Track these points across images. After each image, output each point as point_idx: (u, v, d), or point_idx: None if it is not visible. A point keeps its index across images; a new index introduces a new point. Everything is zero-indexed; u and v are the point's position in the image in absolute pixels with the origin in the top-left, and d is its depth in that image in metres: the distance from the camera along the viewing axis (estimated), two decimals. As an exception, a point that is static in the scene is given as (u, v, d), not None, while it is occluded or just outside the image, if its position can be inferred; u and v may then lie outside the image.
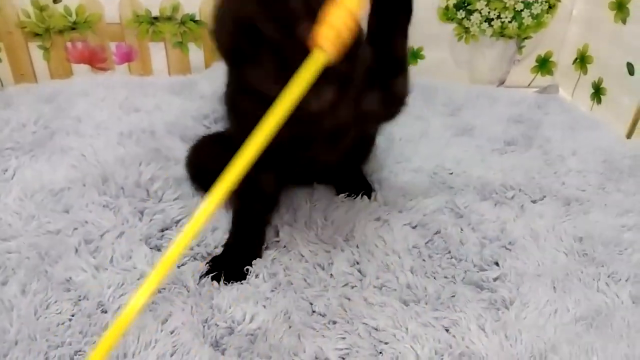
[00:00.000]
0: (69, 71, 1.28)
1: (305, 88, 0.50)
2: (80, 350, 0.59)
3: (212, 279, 0.69)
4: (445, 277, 0.71)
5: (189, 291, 0.68)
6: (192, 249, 0.75)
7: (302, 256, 0.73)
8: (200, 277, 0.69)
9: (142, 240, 0.76)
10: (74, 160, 0.92)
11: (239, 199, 0.76)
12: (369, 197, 0.86)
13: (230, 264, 0.71)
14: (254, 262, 0.71)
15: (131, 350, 0.59)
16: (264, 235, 0.77)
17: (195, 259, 0.73)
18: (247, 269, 0.71)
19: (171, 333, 0.61)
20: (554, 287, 0.69)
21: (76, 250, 0.72)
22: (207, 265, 0.71)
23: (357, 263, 0.73)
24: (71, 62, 1.27)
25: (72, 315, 0.63)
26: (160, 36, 1.26)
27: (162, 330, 0.62)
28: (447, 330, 0.63)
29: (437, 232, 0.79)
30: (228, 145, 0.85)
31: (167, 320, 0.63)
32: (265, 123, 0.51)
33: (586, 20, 1.27)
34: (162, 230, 0.78)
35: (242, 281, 0.69)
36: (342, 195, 0.86)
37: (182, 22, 1.25)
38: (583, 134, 1.09)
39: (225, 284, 0.69)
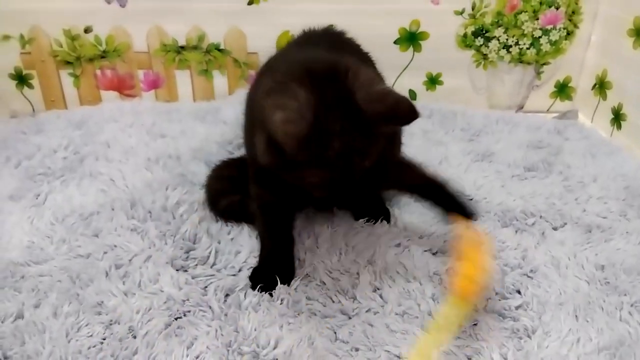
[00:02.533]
0: (98, 98, 1.33)
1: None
2: (110, 373, 0.61)
3: (257, 288, 0.72)
4: (467, 305, 0.71)
5: (213, 313, 0.69)
6: (218, 270, 0.77)
7: (324, 283, 0.75)
8: (226, 296, 0.72)
9: (168, 263, 0.78)
10: (103, 184, 0.96)
11: (263, 215, 0.79)
12: (388, 222, 0.87)
13: (269, 271, 0.74)
14: (278, 287, 0.73)
15: (159, 374, 0.61)
16: (293, 244, 0.79)
17: (219, 279, 0.75)
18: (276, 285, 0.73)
19: (196, 358, 0.63)
20: (576, 315, 0.69)
21: (107, 274, 0.75)
22: (249, 278, 0.75)
23: (379, 289, 0.74)
24: (100, 88, 1.32)
25: (104, 339, 0.65)
26: (186, 64, 1.30)
27: (187, 355, 0.63)
28: (469, 359, 0.64)
29: (458, 259, 0.79)
30: (242, 171, 0.88)
31: (192, 345, 0.65)
32: None
33: (604, 47, 1.28)
34: (187, 252, 0.81)
35: (267, 305, 0.70)
36: (362, 220, 0.88)
37: (207, 51, 1.29)
38: (603, 160, 1.09)
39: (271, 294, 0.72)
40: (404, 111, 0.59)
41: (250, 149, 0.79)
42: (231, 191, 0.88)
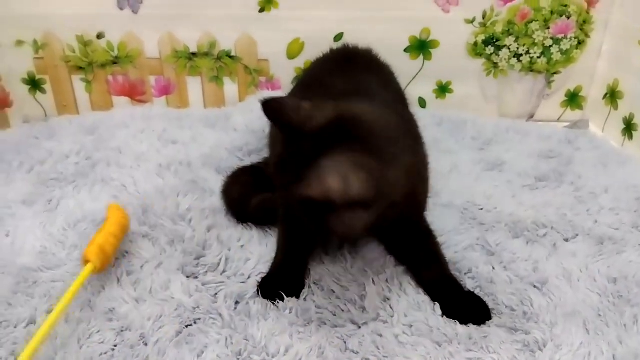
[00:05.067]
0: (110, 103, 1.34)
1: None
2: (122, 381, 0.61)
3: (264, 297, 0.72)
4: (478, 317, 0.71)
5: (223, 321, 0.69)
6: (228, 277, 0.77)
7: (333, 292, 0.75)
8: (236, 304, 0.72)
9: (179, 269, 0.78)
10: (115, 190, 0.96)
11: (285, 222, 0.80)
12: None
13: (278, 282, 0.74)
14: (287, 298, 0.73)
15: (170, 382, 0.61)
16: (309, 256, 0.79)
17: (229, 287, 0.75)
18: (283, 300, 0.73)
19: (207, 366, 0.63)
20: (587, 329, 0.69)
21: (118, 281, 0.75)
22: (258, 286, 0.75)
23: (388, 299, 0.74)
24: (112, 94, 1.33)
25: (115, 346, 0.65)
26: (197, 71, 1.31)
27: (198, 363, 0.63)
28: (480, 372, 0.63)
29: (469, 272, 0.79)
30: (260, 177, 0.88)
31: (203, 353, 0.65)
32: None
33: (616, 56, 1.28)
34: (197, 258, 0.81)
35: (277, 314, 0.70)
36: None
37: (219, 58, 1.30)
38: (615, 171, 1.09)
39: (274, 303, 0.72)
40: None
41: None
42: (255, 193, 0.88)
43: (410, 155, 0.69)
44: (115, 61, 1.30)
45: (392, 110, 0.75)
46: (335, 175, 0.57)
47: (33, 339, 0.60)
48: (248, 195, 0.88)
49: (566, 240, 0.87)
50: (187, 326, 0.69)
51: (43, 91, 1.32)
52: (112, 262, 0.76)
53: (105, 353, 0.64)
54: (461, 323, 0.69)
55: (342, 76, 0.91)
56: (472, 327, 0.69)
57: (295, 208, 0.66)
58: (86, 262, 0.72)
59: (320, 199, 0.57)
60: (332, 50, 1.04)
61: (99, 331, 0.67)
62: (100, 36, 1.27)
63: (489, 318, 0.71)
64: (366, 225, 0.61)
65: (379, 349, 0.65)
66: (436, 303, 0.72)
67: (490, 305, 0.73)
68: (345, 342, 0.67)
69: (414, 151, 0.73)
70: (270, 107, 0.65)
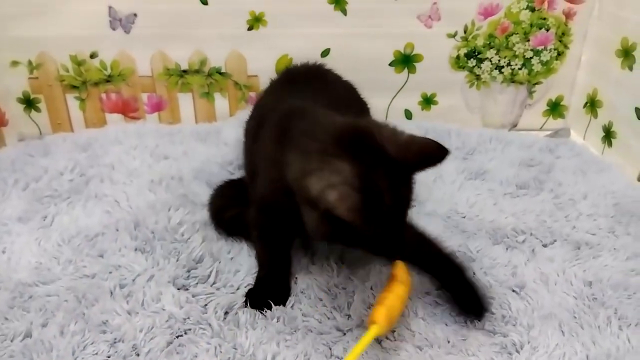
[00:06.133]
0: (103, 120, 1.37)
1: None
2: (115, 390, 0.64)
3: (252, 307, 0.75)
4: (456, 322, 0.74)
5: (213, 330, 0.72)
6: (218, 288, 0.80)
7: (320, 300, 0.77)
8: (225, 314, 0.74)
9: (170, 282, 0.81)
10: (108, 206, 0.99)
11: (260, 240, 0.82)
12: None
13: (264, 292, 0.77)
14: (274, 307, 0.75)
15: (161, 390, 0.63)
16: (290, 265, 0.82)
17: (219, 297, 0.78)
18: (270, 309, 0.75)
19: (197, 374, 0.66)
20: (563, 330, 0.72)
21: (111, 294, 0.77)
22: (245, 297, 0.77)
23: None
24: (105, 111, 1.36)
25: (108, 357, 0.67)
26: (189, 87, 1.34)
27: (189, 372, 0.66)
28: (459, 374, 0.66)
29: (450, 276, 0.82)
30: (241, 191, 0.91)
31: (193, 362, 0.67)
32: None
33: (594, 66, 1.32)
34: (189, 271, 0.83)
35: (265, 323, 0.73)
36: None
37: (209, 75, 1.33)
38: (594, 178, 1.12)
39: (262, 312, 0.75)
40: (434, 151, 0.65)
41: (250, 175, 0.84)
42: (233, 206, 0.91)
43: None
44: (108, 79, 1.33)
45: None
46: (335, 188, 0.59)
47: None
48: (227, 207, 0.92)
49: (544, 245, 0.90)
50: (177, 337, 0.71)
51: (38, 110, 1.35)
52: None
53: (99, 364, 0.67)
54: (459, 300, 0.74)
55: (283, 94, 0.94)
56: (451, 331, 0.72)
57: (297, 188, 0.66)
58: (372, 322, 0.66)
59: (313, 199, 0.61)
60: (282, 71, 1.07)
61: (92, 343, 0.69)
62: (93, 56, 1.31)
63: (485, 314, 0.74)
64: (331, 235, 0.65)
65: (362, 355, 0.68)
66: (417, 307, 0.75)
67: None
68: (330, 349, 0.70)
69: None
70: None
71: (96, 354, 0.68)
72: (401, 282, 0.71)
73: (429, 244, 0.80)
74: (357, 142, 0.65)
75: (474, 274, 0.83)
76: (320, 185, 0.60)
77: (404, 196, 0.65)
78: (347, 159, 0.62)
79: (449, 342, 0.70)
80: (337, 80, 1.04)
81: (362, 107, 1.03)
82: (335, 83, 1.03)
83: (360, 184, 0.61)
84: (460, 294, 0.75)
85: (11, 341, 0.70)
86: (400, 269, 0.72)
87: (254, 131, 0.90)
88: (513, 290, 0.79)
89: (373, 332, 0.64)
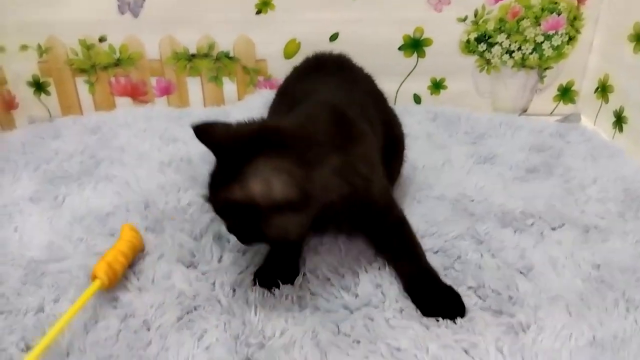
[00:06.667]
0: (112, 104, 1.38)
1: None
2: (126, 363, 0.65)
3: (261, 285, 0.76)
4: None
5: (222, 307, 0.73)
6: (226, 267, 0.80)
7: (328, 279, 0.78)
8: (234, 292, 0.75)
9: (180, 260, 0.82)
10: (118, 187, 1.00)
11: None
12: None
13: (273, 271, 0.78)
14: (282, 286, 0.76)
15: (172, 364, 0.64)
16: (299, 247, 0.82)
17: (227, 276, 0.79)
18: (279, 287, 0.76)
19: (206, 349, 0.67)
20: (570, 312, 0.72)
21: (122, 271, 0.78)
22: (253, 276, 0.78)
23: (380, 286, 0.77)
24: (114, 95, 1.37)
25: (119, 331, 0.68)
26: (197, 71, 1.35)
27: (198, 347, 0.67)
28: (466, 352, 0.66)
29: (458, 258, 0.82)
30: None
31: (202, 337, 0.68)
32: None
33: (606, 51, 1.30)
34: (198, 250, 0.84)
35: (273, 301, 0.74)
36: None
37: (217, 59, 1.33)
38: (604, 162, 1.11)
39: (271, 291, 0.75)
40: None
41: None
42: None
43: (342, 155, 0.70)
44: (117, 63, 1.34)
45: (332, 112, 0.76)
46: (256, 178, 0.61)
47: (39, 345, 0.62)
48: None
49: (553, 229, 0.90)
50: (187, 312, 0.72)
51: (47, 93, 1.36)
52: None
53: (110, 338, 0.68)
54: (431, 316, 0.71)
55: (307, 82, 0.95)
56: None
57: (226, 217, 0.70)
58: (94, 277, 0.72)
59: (244, 202, 0.62)
60: (305, 59, 1.05)
61: (104, 318, 0.71)
62: (102, 40, 1.31)
63: (463, 314, 0.71)
64: (300, 227, 0.66)
65: (369, 332, 0.69)
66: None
67: (479, 291, 0.76)
68: (337, 326, 0.70)
69: (347, 151, 0.71)
70: (200, 130, 0.72)
71: (107, 328, 0.69)
72: (124, 239, 0.79)
73: (405, 262, 0.79)
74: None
75: (482, 256, 0.83)
76: (259, 184, 0.61)
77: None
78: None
79: (455, 322, 0.70)
80: (360, 71, 1.03)
81: (383, 99, 1.02)
82: (361, 74, 1.02)
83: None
84: (435, 308, 0.72)
85: (24, 315, 0.71)
86: (127, 229, 0.81)
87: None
88: (521, 272, 0.79)
89: (95, 285, 0.71)
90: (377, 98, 0.99)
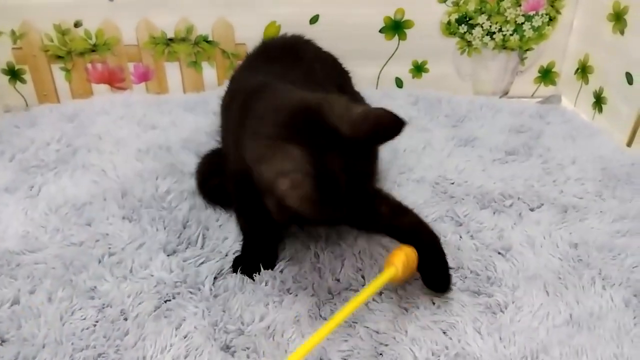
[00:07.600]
0: (90, 91, 1.35)
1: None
2: (103, 353, 0.64)
3: (241, 272, 0.75)
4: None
5: (202, 295, 0.73)
6: (207, 254, 0.80)
7: (310, 263, 0.78)
8: (215, 279, 0.75)
9: (160, 248, 0.81)
10: (95, 175, 0.99)
11: (239, 210, 0.82)
12: None
13: (250, 259, 0.77)
14: (263, 271, 0.76)
15: (149, 354, 0.64)
16: (276, 231, 0.82)
17: (207, 263, 0.78)
18: (259, 273, 0.76)
19: (184, 337, 0.66)
20: (547, 291, 0.72)
21: (99, 261, 0.78)
22: (233, 263, 0.78)
23: (360, 270, 0.77)
24: (91, 82, 1.34)
25: (96, 321, 0.68)
26: (175, 56, 1.32)
27: (176, 335, 0.66)
28: (444, 333, 0.67)
29: (437, 240, 0.83)
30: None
31: (180, 325, 0.68)
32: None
33: (586, 31, 1.30)
34: (177, 237, 0.83)
35: (253, 287, 0.74)
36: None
37: (196, 43, 1.31)
38: (583, 143, 1.12)
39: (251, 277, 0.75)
40: (390, 123, 0.60)
41: (227, 150, 0.83)
42: (218, 175, 0.91)
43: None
44: (93, 49, 1.31)
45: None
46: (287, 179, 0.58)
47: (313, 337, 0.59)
48: (212, 176, 0.92)
49: (531, 209, 0.90)
50: (165, 301, 0.72)
51: (23, 81, 1.33)
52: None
53: (87, 328, 0.67)
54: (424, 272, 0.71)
55: (255, 69, 0.94)
56: (435, 293, 0.72)
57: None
58: (390, 264, 0.67)
59: (267, 184, 0.60)
60: (259, 44, 1.03)
61: (80, 308, 0.70)
62: (77, 24, 1.28)
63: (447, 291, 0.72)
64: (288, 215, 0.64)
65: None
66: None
67: (458, 272, 0.76)
68: (318, 309, 0.70)
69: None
70: None
71: (84, 319, 0.68)
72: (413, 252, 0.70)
73: (403, 215, 0.77)
74: (308, 123, 0.62)
75: (461, 237, 0.83)
76: (272, 173, 0.59)
77: (362, 172, 0.63)
78: (299, 143, 0.60)
79: (434, 303, 0.71)
80: (315, 52, 1.02)
81: (341, 79, 1.01)
82: (312, 55, 1.00)
83: (312, 170, 0.58)
84: (426, 269, 0.72)
85: (-1, 308, 0.70)
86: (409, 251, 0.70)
87: (227, 106, 0.89)
88: (499, 253, 0.80)
89: (389, 273, 0.65)
90: (333, 76, 0.98)
